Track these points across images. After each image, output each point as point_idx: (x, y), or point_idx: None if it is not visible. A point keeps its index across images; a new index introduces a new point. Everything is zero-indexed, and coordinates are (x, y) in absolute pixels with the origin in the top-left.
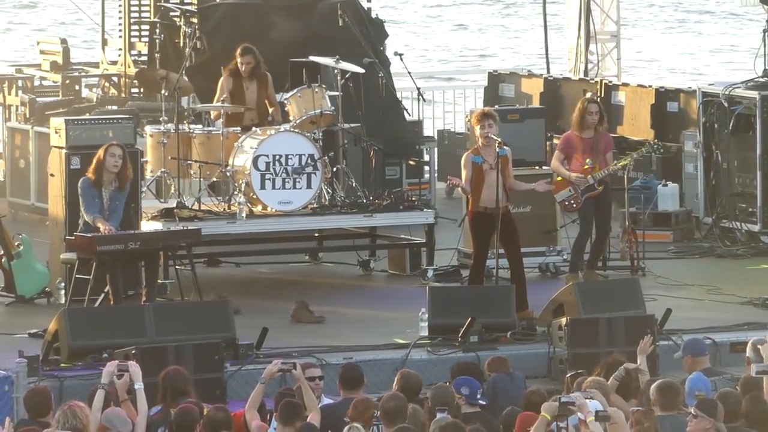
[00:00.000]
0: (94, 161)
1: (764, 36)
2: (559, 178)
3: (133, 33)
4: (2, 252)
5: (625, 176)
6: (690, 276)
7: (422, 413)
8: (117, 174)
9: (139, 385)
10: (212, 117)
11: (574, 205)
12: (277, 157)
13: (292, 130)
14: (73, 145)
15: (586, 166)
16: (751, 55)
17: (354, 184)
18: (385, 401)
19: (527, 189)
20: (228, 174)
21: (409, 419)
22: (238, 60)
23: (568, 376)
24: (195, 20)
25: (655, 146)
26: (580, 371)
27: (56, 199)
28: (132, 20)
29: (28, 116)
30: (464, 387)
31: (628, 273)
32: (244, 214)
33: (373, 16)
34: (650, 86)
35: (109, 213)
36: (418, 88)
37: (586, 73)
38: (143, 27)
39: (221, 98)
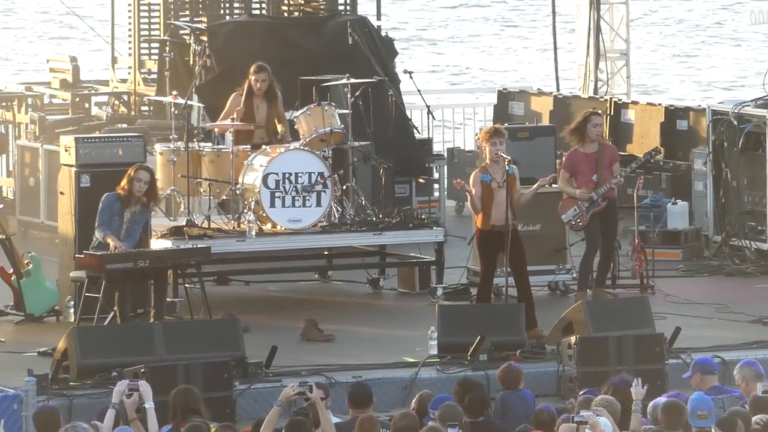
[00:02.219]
0: (125, 182)
1: None
2: (565, 197)
3: (142, 51)
4: (12, 270)
5: (635, 194)
6: (699, 294)
7: None
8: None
9: (149, 405)
10: (217, 131)
11: (581, 224)
12: (287, 175)
13: (301, 148)
14: (83, 164)
15: (593, 182)
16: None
17: (363, 202)
18: (397, 420)
19: (533, 193)
20: (238, 192)
21: None
22: (252, 78)
23: (580, 393)
24: (205, 38)
25: (654, 151)
26: (590, 389)
27: (66, 218)
28: (142, 38)
29: (37, 134)
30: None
31: (638, 291)
32: (253, 232)
33: (383, 34)
34: (660, 104)
35: (126, 234)
36: (428, 106)
37: (595, 91)
38: (153, 45)
39: (230, 117)
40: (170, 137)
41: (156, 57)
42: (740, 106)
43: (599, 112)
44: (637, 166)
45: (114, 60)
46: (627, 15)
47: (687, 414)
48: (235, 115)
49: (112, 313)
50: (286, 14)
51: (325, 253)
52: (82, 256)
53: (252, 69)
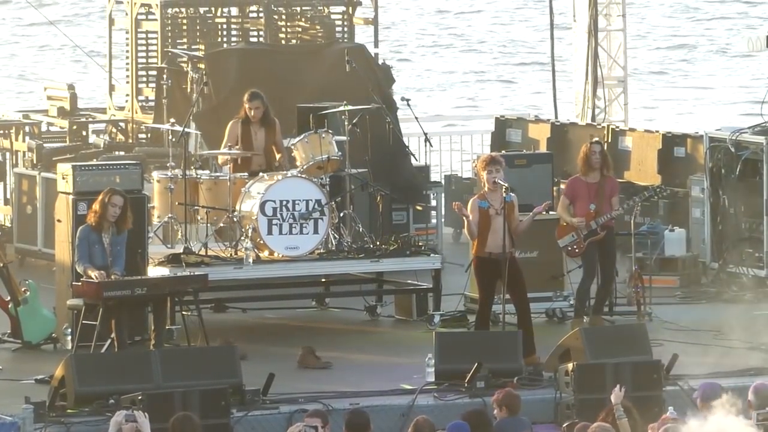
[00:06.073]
0: (96, 207)
1: None
2: (563, 224)
3: (140, 78)
4: (9, 298)
5: (632, 221)
6: (697, 321)
7: None
8: (115, 221)
9: None
10: (219, 163)
11: (577, 250)
12: (284, 203)
13: (299, 175)
14: (80, 191)
15: (591, 211)
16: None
17: (361, 230)
18: None
19: (530, 221)
20: (235, 219)
21: None
22: (246, 105)
23: (564, 426)
24: (202, 66)
25: (658, 190)
26: (576, 420)
27: (63, 245)
28: (139, 66)
29: (35, 162)
30: None
31: (635, 318)
32: (251, 260)
33: (380, 61)
34: (657, 131)
35: (113, 258)
36: (425, 133)
37: (593, 118)
38: (150, 73)
39: (228, 145)
40: (168, 165)
41: (153, 84)
42: (737, 133)
43: (599, 141)
44: (640, 200)
45: (111, 87)
46: (624, 43)
47: None
48: (231, 143)
49: (109, 341)
50: (283, 42)
51: (323, 280)
52: (80, 283)
53: (246, 97)
